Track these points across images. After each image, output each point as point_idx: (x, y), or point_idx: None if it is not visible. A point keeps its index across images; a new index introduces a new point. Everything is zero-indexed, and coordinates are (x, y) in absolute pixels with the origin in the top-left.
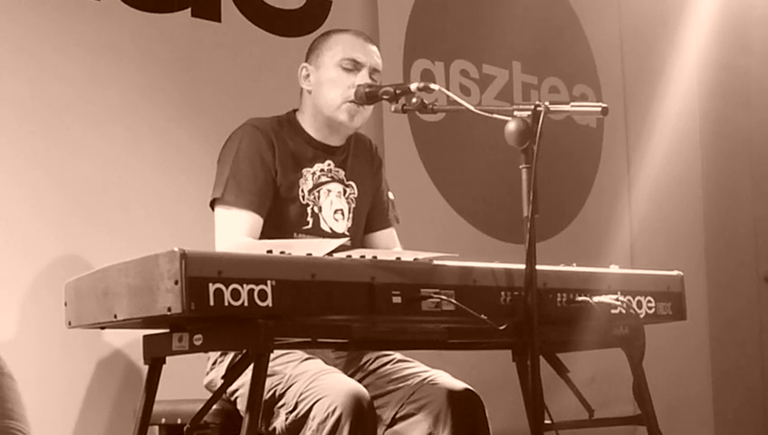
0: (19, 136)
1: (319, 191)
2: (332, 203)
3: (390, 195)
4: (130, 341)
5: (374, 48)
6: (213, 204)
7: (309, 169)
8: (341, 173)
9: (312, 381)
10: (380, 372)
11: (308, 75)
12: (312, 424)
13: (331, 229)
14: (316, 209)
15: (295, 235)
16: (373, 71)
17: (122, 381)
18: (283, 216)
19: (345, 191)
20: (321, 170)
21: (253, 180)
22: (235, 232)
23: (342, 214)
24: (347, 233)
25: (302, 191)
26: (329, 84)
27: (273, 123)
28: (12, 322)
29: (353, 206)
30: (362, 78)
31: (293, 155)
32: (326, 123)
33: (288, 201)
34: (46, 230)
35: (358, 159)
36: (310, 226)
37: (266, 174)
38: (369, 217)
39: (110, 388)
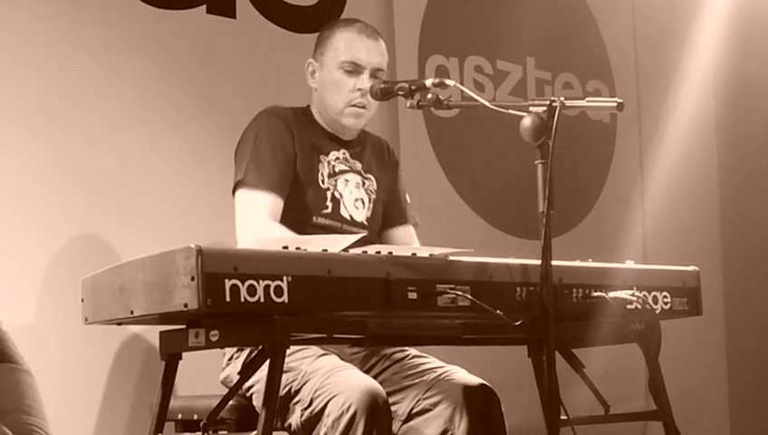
0: (37, 131)
1: (336, 180)
2: (352, 192)
3: (407, 197)
4: (149, 336)
5: (379, 44)
6: (234, 188)
7: (325, 156)
8: (358, 165)
9: (328, 377)
10: (396, 367)
11: (314, 72)
12: (326, 421)
13: (350, 217)
14: (336, 195)
15: (315, 218)
16: (376, 71)
17: (140, 376)
18: (302, 199)
19: (364, 183)
20: (337, 159)
21: (273, 163)
22: (258, 214)
23: (363, 203)
24: (365, 223)
25: (322, 175)
26: (331, 87)
27: (290, 112)
28: (31, 317)
29: (373, 197)
30: (363, 81)
31: (310, 142)
32: (331, 123)
33: (307, 185)
34: (64, 225)
35: (374, 157)
36: (329, 210)
37: (286, 157)
38: (387, 215)
39: (128, 383)
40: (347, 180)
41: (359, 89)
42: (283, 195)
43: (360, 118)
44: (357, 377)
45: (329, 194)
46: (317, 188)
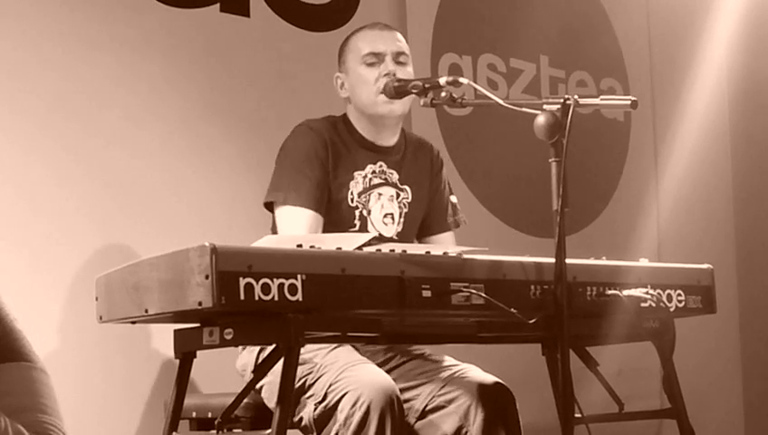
0: (53, 128)
1: (370, 195)
2: (383, 207)
3: (453, 199)
4: (164, 335)
5: (393, 33)
6: (272, 205)
7: (360, 171)
8: (395, 176)
9: (342, 371)
10: (412, 364)
11: (342, 83)
12: (339, 417)
13: (378, 234)
14: (365, 212)
15: None
16: (397, 55)
17: (155, 374)
18: (331, 217)
19: (398, 195)
20: (374, 172)
21: (313, 181)
22: (299, 231)
23: (392, 218)
24: (395, 238)
25: (352, 193)
26: (359, 84)
27: (328, 124)
28: (45, 315)
29: (405, 211)
30: (387, 66)
31: (346, 157)
32: (371, 122)
33: (337, 202)
34: (79, 223)
35: (416, 163)
36: (356, 228)
37: (323, 173)
38: (427, 220)
39: (143, 382)
40: (380, 194)
41: (385, 75)
42: (322, 211)
43: (394, 104)
44: (372, 373)
45: (357, 212)
46: (346, 206)
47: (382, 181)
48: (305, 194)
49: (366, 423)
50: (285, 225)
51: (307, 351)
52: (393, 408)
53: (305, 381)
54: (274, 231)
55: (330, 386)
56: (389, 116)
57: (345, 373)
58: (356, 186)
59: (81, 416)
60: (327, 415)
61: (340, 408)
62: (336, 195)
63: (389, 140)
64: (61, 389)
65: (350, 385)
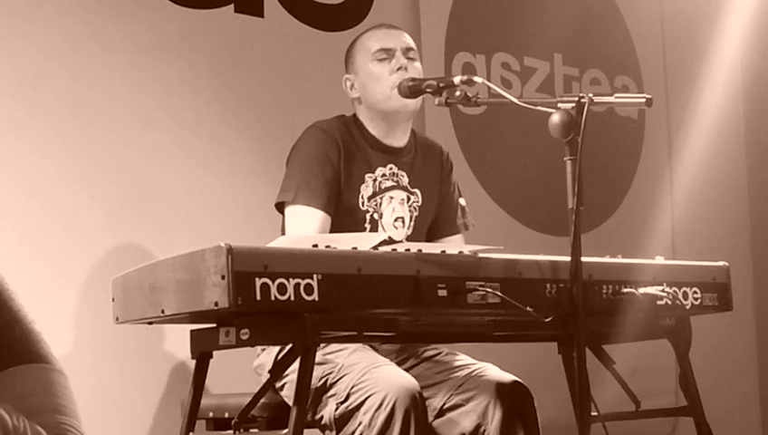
0: (68, 129)
1: (381, 198)
2: (394, 210)
3: (462, 201)
4: (180, 335)
5: (399, 31)
6: (283, 206)
7: (371, 174)
8: (405, 179)
9: (366, 373)
10: (429, 363)
11: (352, 84)
12: (363, 418)
13: (389, 237)
14: (376, 216)
15: None
16: (406, 50)
17: (171, 375)
18: (341, 220)
19: (408, 199)
20: (384, 175)
21: (322, 181)
22: (307, 230)
23: (403, 222)
24: (404, 241)
25: (362, 197)
26: (372, 81)
27: (339, 125)
28: (62, 317)
29: (415, 214)
30: (398, 61)
31: (357, 158)
32: (384, 119)
33: (348, 206)
34: (95, 224)
35: (426, 165)
36: (367, 231)
37: (334, 175)
38: (436, 223)
39: (160, 382)
40: (391, 197)
41: (397, 69)
42: (331, 211)
43: (407, 98)
44: (395, 373)
45: (368, 216)
46: (357, 209)
47: (393, 184)
48: (314, 193)
49: (390, 423)
50: (293, 224)
51: (327, 351)
52: (417, 407)
53: (326, 380)
54: (283, 233)
55: (353, 387)
56: (403, 111)
57: (368, 375)
58: (366, 189)
59: (99, 417)
60: (348, 415)
61: (364, 409)
62: (346, 198)
63: (401, 139)
64: (78, 390)
65: (374, 387)
